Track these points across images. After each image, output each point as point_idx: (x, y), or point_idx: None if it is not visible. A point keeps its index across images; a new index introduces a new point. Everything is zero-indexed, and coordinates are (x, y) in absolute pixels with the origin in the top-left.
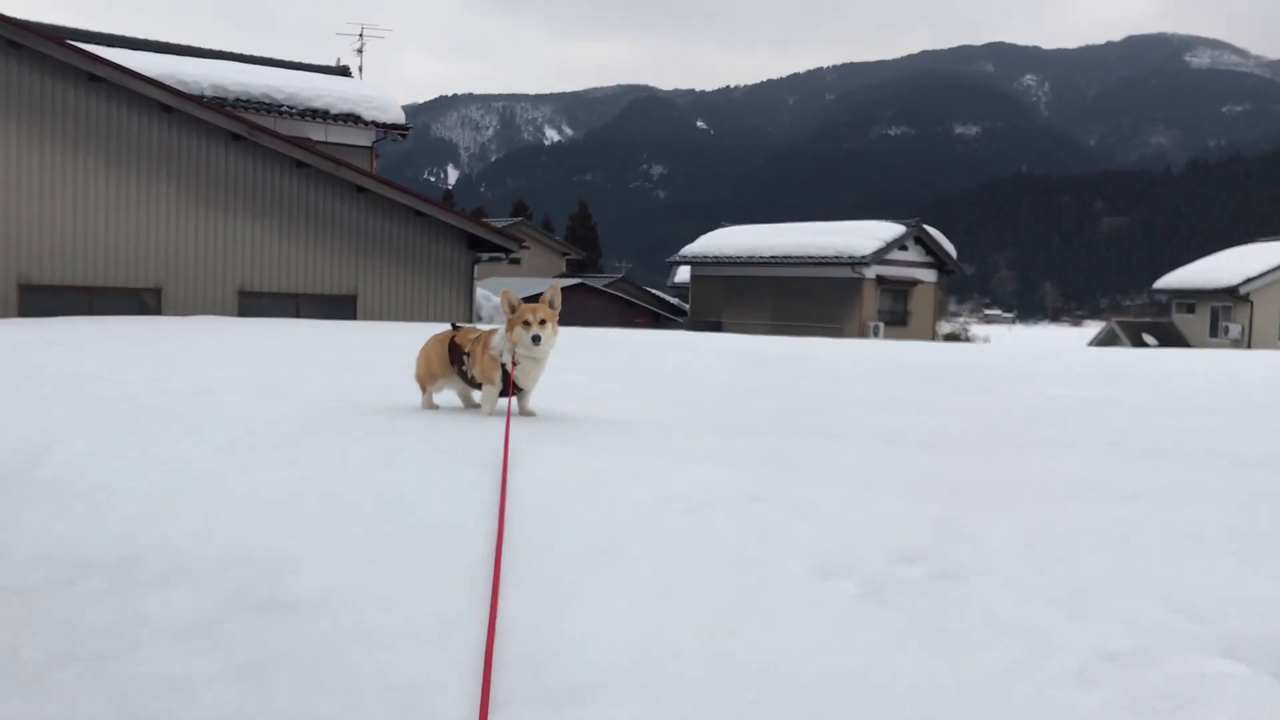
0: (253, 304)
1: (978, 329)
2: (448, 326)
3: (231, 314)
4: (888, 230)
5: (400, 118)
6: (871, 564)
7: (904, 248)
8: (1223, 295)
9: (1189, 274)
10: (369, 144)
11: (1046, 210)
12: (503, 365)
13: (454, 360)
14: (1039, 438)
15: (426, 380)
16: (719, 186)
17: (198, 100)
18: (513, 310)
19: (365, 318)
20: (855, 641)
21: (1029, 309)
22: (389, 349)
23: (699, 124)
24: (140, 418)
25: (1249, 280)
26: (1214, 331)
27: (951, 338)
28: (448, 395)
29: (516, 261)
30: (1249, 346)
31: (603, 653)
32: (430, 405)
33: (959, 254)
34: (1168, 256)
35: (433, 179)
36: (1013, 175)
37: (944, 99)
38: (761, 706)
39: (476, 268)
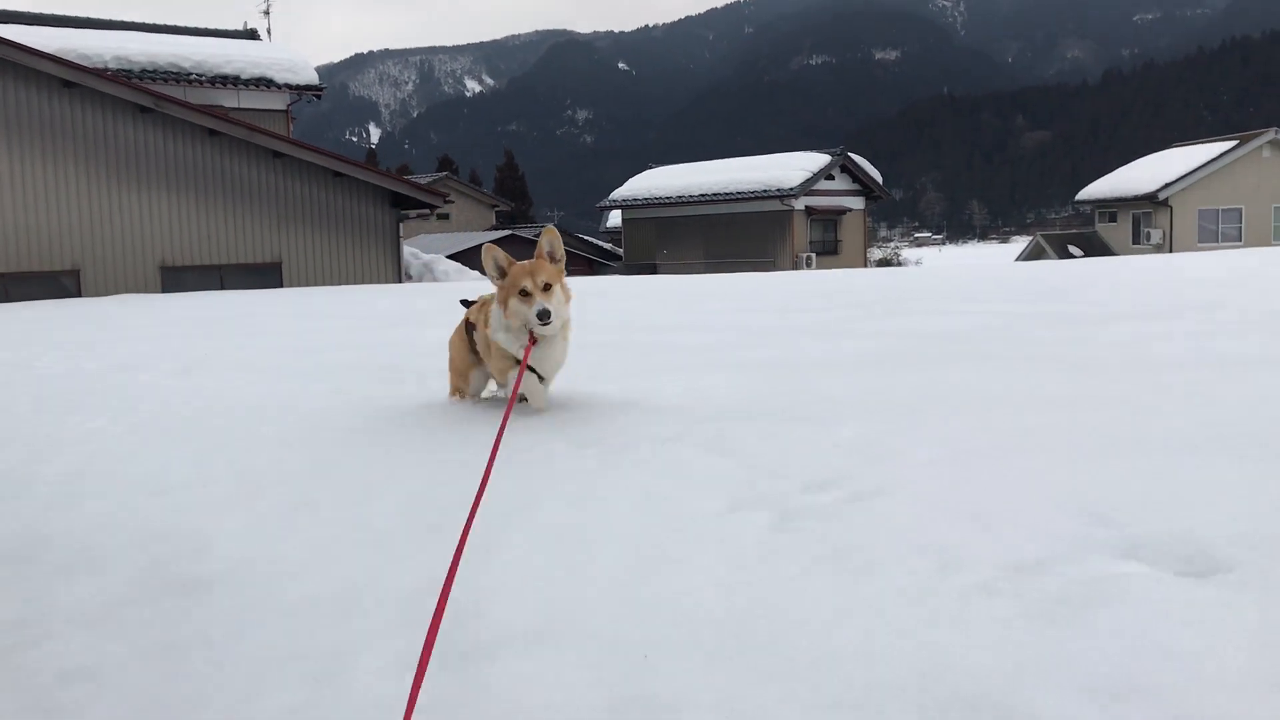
0: (176, 278)
1: (908, 253)
2: (464, 310)
3: (155, 290)
4: (813, 161)
5: (313, 78)
6: (783, 493)
7: (830, 177)
8: (1143, 202)
9: (1109, 183)
10: (283, 107)
11: (969, 130)
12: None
13: (471, 341)
14: (957, 355)
15: (461, 385)
16: (646, 128)
17: (99, 73)
18: (501, 274)
19: (291, 284)
20: (764, 572)
21: (958, 229)
22: (302, 314)
23: (620, 65)
24: (50, 402)
25: (1167, 185)
26: (1136, 238)
27: (884, 263)
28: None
29: (445, 217)
30: (1170, 250)
31: (513, 607)
32: (473, 397)
33: (886, 180)
34: (1089, 167)
35: (355, 139)
36: (933, 97)
37: (861, 25)
38: (668, 645)
39: (402, 226)
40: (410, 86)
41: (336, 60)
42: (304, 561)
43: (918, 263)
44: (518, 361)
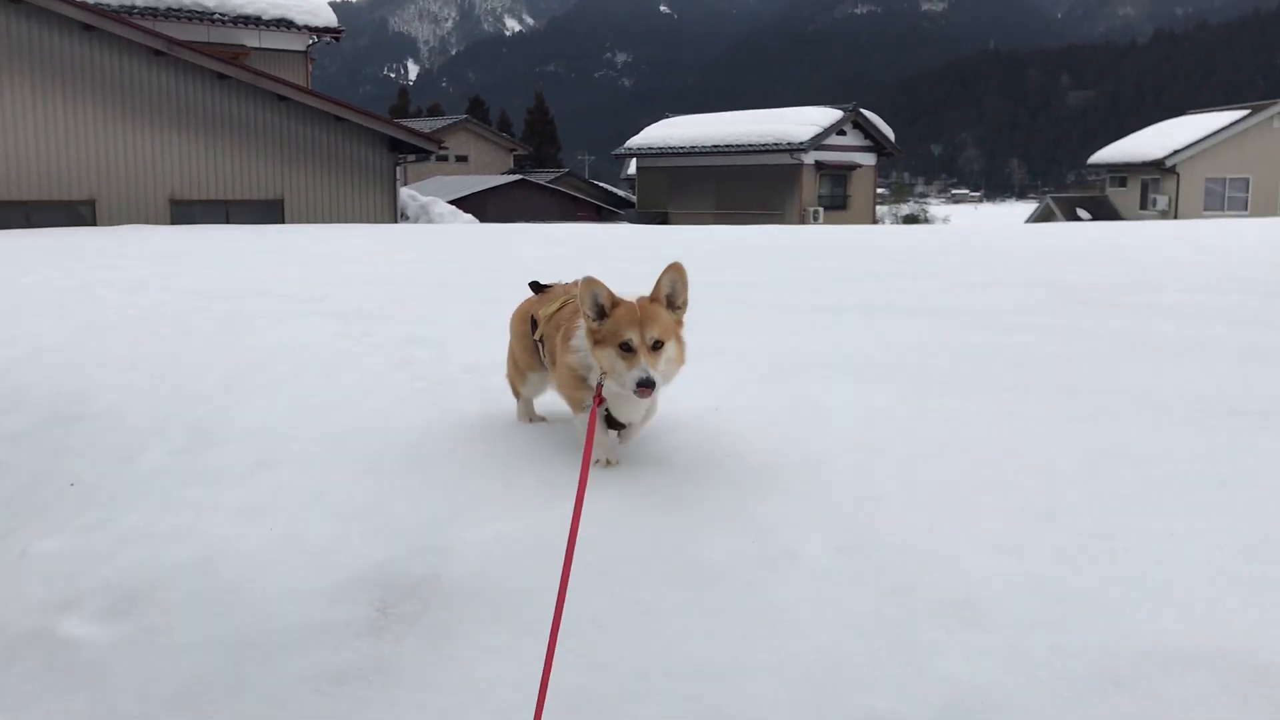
0: (184, 211)
1: (940, 209)
2: (529, 289)
3: (164, 222)
4: (825, 116)
5: (333, 21)
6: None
7: (842, 132)
8: (1150, 168)
9: (1121, 149)
10: (303, 48)
11: (1013, 86)
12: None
13: (534, 341)
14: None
15: (516, 380)
16: (684, 74)
17: (116, 17)
18: (601, 315)
19: (293, 220)
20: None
21: (996, 187)
22: (266, 250)
23: (662, 8)
24: (15, 309)
25: (1175, 153)
26: (1144, 204)
27: (910, 219)
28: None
29: (463, 159)
30: (1175, 217)
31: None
32: (530, 416)
33: (924, 135)
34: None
35: (393, 75)
36: (979, 52)
37: None
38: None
39: (410, 169)
40: (450, 24)
41: None
42: (154, 402)
43: (946, 220)
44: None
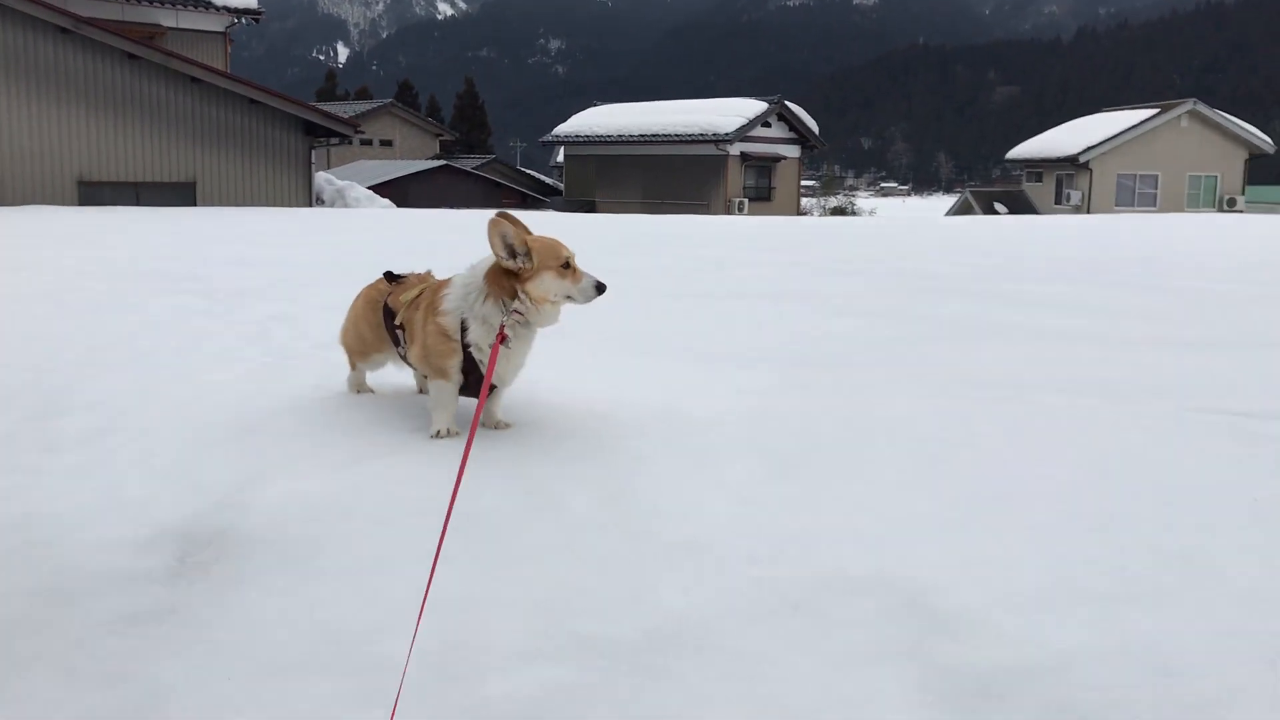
0: (93, 193)
1: (868, 202)
2: (381, 277)
3: (72, 203)
4: (750, 107)
5: (252, 2)
6: None
7: (767, 124)
8: (1065, 164)
9: (1038, 144)
10: (222, 29)
11: (941, 81)
12: (465, 347)
13: (390, 329)
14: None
15: (355, 353)
16: (618, 62)
17: None
18: (512, 253)
19: (205, 203)
20: None
21: (924, 181)
22: (162, 232)
23: None
24: None
25: (1089, 149)
26: (1059, 199)
27: (838, 211)
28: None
29: (388, 143)
30: (1089, 211)
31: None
32: (361, 387)
33: (855, 128)
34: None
35: (322, 58)
36: (909, 46)
37: None
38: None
39: (334, 153)
40: (380, 6)
41: None
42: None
43: (872, 212)
44: (465, 350)
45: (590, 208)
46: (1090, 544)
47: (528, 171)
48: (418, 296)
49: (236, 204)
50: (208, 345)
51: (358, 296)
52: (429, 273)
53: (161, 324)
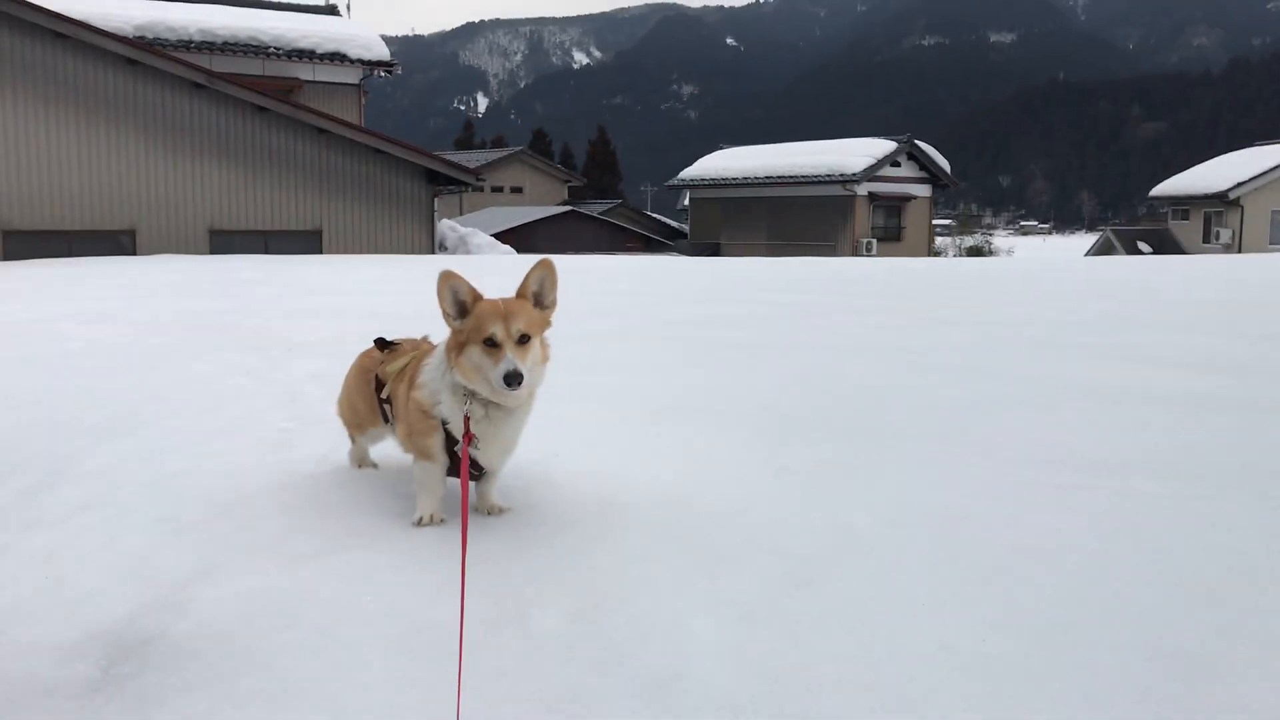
0: (224, 241)
1: (1006, 241)
2: (373, 344)
3: (203, 252)
4: (879, 147)
5: (385, 54)
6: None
7: (896, 164)
8: (1214, 201)
9: (1184, 181)
10: (356, 81)
11: (1083, 117)
12: (444, 427)
13: (380, 402)
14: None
15: (352, 426)
16: (751, 106)
17: (158, 52)
18: (461, 313)
19: (330, 251)
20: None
21: (1066, 219)
22: (258, 281)
23: (729, 41)
24: None
25: (1239, 185)
26: (1207, 237)
27: (974, 251)
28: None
29: (518, 190)
30: (1239, 250)
31: None
32: (363, 461)
33: (993, 166)
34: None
35: (462, 108)
36: (1048, 82)
37: (978, 6)
38: None
39: (465, 199)
40: (519, 57)
41: (448, 28)
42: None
43: (1009, 252)
44: (445, 431)
45: (715, 250)
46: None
47: (653, 215)
48: (405, 367)
49: (361, 251)
50: (232, 409)
51: (352, 365)
52: (424, 339)
53: (200, 381)
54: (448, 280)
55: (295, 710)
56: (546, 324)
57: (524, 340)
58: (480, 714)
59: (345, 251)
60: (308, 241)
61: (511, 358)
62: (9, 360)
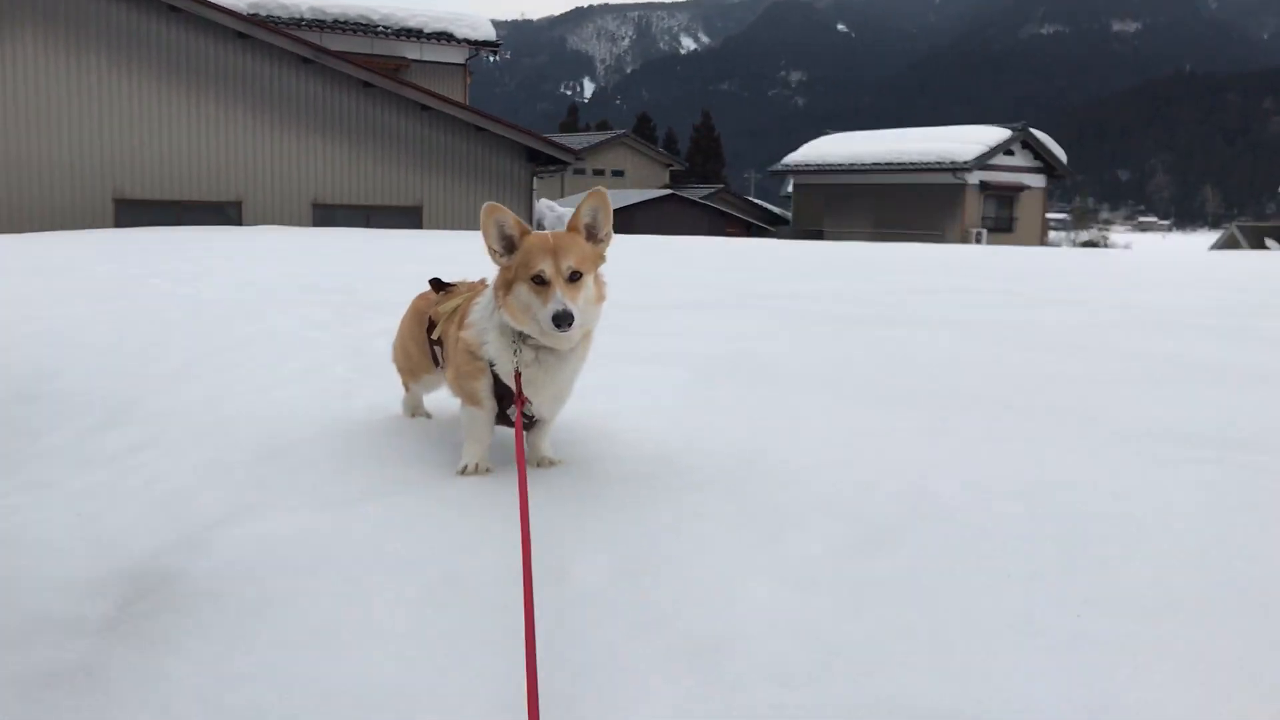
0: (326, 215)
1: (1123, 237)
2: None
3: (306, 224)
4: (992, 135)
5: (491, 35)
6: None
7: (1009, 153)
8: None
9: None
10: (462, 61)
11: (1209, 111)
12: (491, 369)
13: (430, 345)
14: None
15: (405, 372)
16: (859, 93)
17: (268, 26)
18: (508, 248)
19: (431, 226)
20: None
21: (1188, 215)
22: (354, 250)
23: (839, 27)
24: (65, 296)
25: None
26: None
27: (1089, 245)
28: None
29: (620, 173)
30: None
31: None
32: (416, 410)
33: (1112, 160)
34: None
35: (569, 92)
36: (1173, 73)
37: None
38: None
39: (567, 182)
40: (626, 42)
41: (557, 13)
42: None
43: (1127, 247)
44: (492, 372)
45: (818, 238)
46: None
47: (755, 201)
48: (458, 308)
49: (460, 228)
50: (303, 357)
51: (407, 308)
52: (482, 281)
53: (274, 335)
54: (493, 213)
55: (308, 660)
56: (600, 259)
57: (575, 277)
58: (505, 673)
59: (444, 227)
60: (408, 217)
61: (561, 296)
62: (97, 313)
